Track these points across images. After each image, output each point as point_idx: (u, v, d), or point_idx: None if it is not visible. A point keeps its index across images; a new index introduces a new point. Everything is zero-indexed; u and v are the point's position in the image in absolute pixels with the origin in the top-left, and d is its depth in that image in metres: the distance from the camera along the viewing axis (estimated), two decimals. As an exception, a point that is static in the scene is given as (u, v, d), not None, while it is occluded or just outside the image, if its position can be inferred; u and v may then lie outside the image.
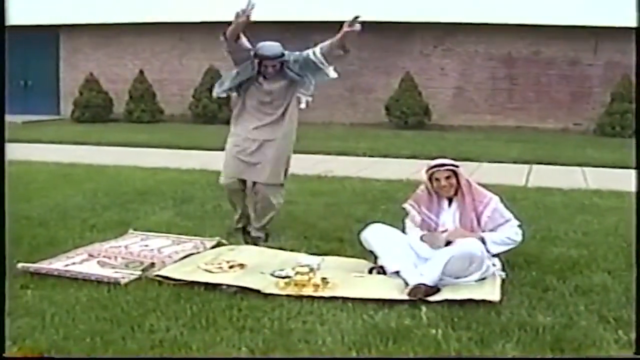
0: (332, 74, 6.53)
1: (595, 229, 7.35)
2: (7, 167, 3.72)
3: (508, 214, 5.75)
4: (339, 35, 6.21)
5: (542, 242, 6.73)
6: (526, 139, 16.71)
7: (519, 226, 5.75)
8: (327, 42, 6.35)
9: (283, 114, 6.67)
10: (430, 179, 5.77)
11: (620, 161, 12.54)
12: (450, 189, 5.73)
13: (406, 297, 4.96)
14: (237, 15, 6.30)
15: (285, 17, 18.89)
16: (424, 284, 5.05)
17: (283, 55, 6.50)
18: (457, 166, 5.77)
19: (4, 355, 3.73)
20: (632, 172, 11.02)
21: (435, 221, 5.79)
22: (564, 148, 15.02)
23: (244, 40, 6.63)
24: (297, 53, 6.56)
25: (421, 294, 4.97)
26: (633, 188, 9.48)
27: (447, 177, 5.69)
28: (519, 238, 5.69)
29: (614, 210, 8.33)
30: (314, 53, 6.43)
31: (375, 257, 5.70)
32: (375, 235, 5.78)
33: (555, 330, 4.47)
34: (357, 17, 6.13)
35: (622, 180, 10.37)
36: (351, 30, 6.13)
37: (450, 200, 5.80)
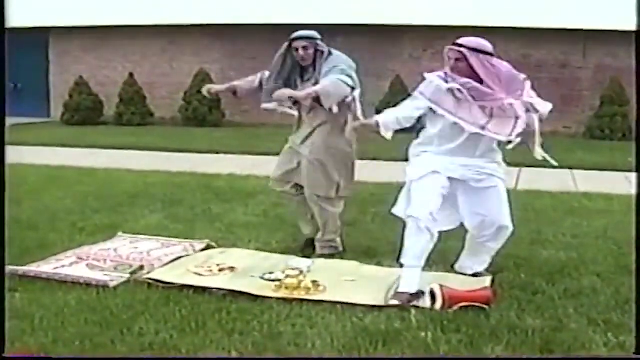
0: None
1: (585, 232, 7.37)
2: (7, 170, 3.72)
3: None
4: None
5: (532, 245, 6.75)
6: (516, 142, 16.70)
7: None
8: None
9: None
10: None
11: (609, 164, 12.58)
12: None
13: (396, 303, 4.97)
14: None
15: (274, 20, 18.91)
16: (407, 292, 5.06)
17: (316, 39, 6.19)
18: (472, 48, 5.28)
19: (4, 355, 3.73)
20: (621, 175, 11.09)
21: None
22: (553, 151, 14.90)
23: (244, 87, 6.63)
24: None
25: (404, 300, 4.99)
26: (622, 191, 9.54)
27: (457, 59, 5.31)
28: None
29: (603, 213, 8.34)
30: None
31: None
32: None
33: (544, 333, 4.47)
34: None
35: (611, 183, 10.41)
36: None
37: None
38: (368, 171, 11.88)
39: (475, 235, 5.67)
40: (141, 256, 6.04)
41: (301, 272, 5.39)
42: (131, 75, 21.14)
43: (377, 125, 5.43)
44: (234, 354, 4.15)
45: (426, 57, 20.26)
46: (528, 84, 5.50)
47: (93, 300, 4.99)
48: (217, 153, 14.01)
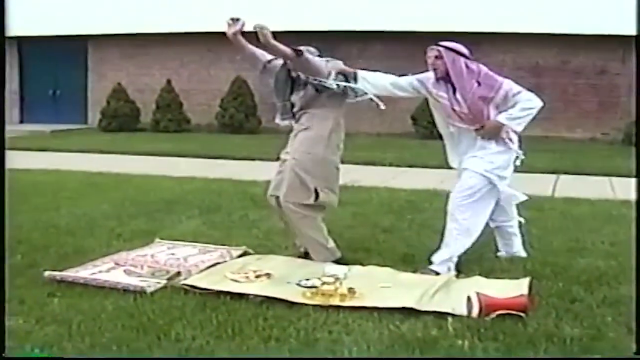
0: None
1: (623, 240, 7.28)
2: (6, 172, 3.75)
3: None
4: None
5: (570, 252, 6.69)
6: (553, 149, 16.54)
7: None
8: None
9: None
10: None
11: (648, 171, 12.46)
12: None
13: (430, 309, 4.94)
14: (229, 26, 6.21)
15: (311, 27, 18.93)
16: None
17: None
18: (447, 47, 6.02)
19: (4, 355, 3.75)
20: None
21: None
22: (591, 158, 14.91)
23: (252, 49, 6.45)
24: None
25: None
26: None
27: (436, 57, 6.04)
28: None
29: (643, 220, 8.25)
30: None
31: None
32: None
33: (582, 341, 4.42)
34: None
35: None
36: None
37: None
38: (404, 178, 11.88)
39: None
40: (178, 262, 6.07)
41: (337, 279, 5.37)
42: (169, 82, 21.30)
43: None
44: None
45: (463, 63, 20.16)
46: (503, 90, 5.99)
47: (130, 306, 5.01)
48: (254, 160, 14.04)
